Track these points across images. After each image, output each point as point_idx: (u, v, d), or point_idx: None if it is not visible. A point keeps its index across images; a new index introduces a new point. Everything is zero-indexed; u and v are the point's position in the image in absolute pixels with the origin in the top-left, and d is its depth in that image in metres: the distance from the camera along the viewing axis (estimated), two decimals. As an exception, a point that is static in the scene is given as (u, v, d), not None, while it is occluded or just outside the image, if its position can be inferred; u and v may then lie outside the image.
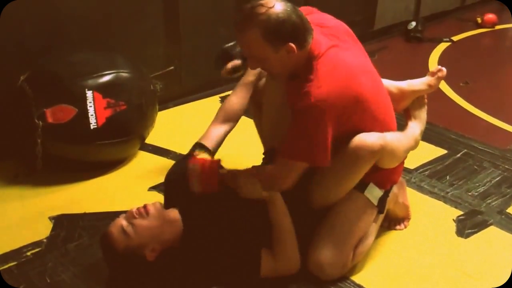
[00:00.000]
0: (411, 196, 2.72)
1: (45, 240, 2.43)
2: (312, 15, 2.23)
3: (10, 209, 2.66)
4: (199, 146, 2.36)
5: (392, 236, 2.52)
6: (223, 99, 3.56)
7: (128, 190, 2.81)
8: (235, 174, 2.18)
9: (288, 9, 1.99)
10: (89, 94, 2.74)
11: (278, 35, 1.98)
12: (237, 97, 2.48)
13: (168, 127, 3.39)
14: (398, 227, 2.55)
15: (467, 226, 2.60)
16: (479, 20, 5.64)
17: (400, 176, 2.45)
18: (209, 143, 2.37)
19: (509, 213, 2.71)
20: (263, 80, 2.36)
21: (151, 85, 3.09)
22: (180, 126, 3.43)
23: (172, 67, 3.70)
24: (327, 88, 2.00)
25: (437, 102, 3.86)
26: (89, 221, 2.56)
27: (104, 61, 2.91)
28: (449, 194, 2.84)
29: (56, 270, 2.26)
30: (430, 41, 5.16)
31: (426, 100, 2.52)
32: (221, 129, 2.43)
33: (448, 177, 2.99)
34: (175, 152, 3.12)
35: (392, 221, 2.56)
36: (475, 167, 3.10)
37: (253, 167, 2.24)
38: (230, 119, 2.45)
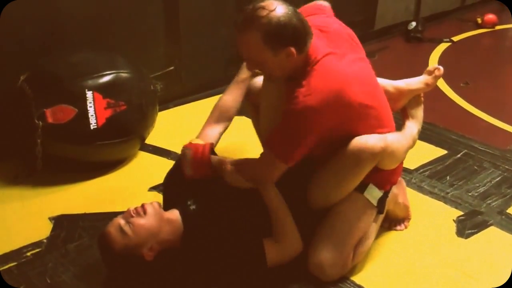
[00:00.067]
0: (411, 196, 2.72)
1: (45, 241, 2.43)
2: (315, 16, 2.23)
3: (10, 209, 2.66)
4: None
5: (392, 237, 2.51)
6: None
7: (128, 190, 2.81)
8: (223, 161, 2.20)
9: (289, 13, 1.98)
10: (89, 94, 2.74)
11: (279, 39, 1.98)
12: (231, 96, 2.48)
13: (168, 128, 3.39)
14: (398, 227, 2.55)
15: (467, 226, 2.60)
16: (479, 20, 5.64)
17: (400, 177, 2.44)
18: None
19: (509, 213, 2.71)
20: (260, 81, 2.36)
21: (151, 85, 3.09)
22: (181, 126, 3.43)
23: (172, 67, 3.70)
24: (315, 96, 2.00)
25: (437, 102, 3.87)
26: (89, 222, 2.56)
27: (104, 61, 2.90)
28: (449, 194, 2.84)
29: (56, 271, 2.26)
30: (430, 41, 5.16)
31: (422, 99, 2.52)
32: (216, 129, 2.44)
33: (448, 177, 2.99)
34: (175, 153, 3.12)
35: (392, 222, 2.56)
36: (475, 167, 3.10)
37: (241, 159, 2.24)
38: (224, 118, 2.46)
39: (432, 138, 3.38)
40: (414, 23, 5.25)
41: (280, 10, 1.97)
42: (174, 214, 2.18)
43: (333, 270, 2.20)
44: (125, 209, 2.14)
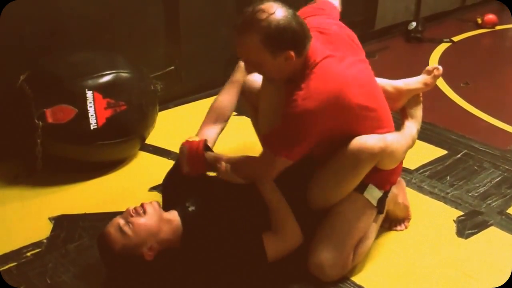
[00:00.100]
0: (412, 196, 2.72)
1: (45, 241, 2.43)
2: (315, 17, 2.23)
3: (10, 209, 2.66)
4: None
5: (392, 237, 2.51)
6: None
7: (129, 190, 2.81)
8: (218, 158, 2.21)
9: (289, 16, 1.98)
10: (89, 94, 2.74)
11: (278, 43, 1.98)
12: (226, 96, 2.49)
13: (168, 128, 3.38)
14: (399, 227, 2.55)
15: (467, 226, 2.60)
16: (479, 20, 5.64)
17: (399, 177, 2.44)
18: None
19: (509, 213, 2.71)
20: (259, 81, 2.36)
21: (152, 85, 3.09)
22: (181, 126, 3.43)
23: (172, 67, 3.69)
24: (314, 100, 2.00)
25: (438, 102, 3.87)
26: (89, 222, 2.56)
27: (104, 61, 2.90)
28: (449, 194, 2.84)
29: (56, 271, 2.26)
30: (431, 42, 5.16)
31: (421, 99, 2.52)
32: (213, 129, 2.45)
33: (448, 177, 2.99)
34: (175, 153, 3.11)
35: (392, 222, 2.56)
36: (475, 167, 3.10)
37: (236, 157, 2.24)
38: (220, 119, 2.46)
39: (432, 138, 3.38)
40: (414, 23, 5.25)
41: (279, 13, 1.97)
42: (173, 215, 2.18)
43: (333, 271, 2.20)
44: (125, 209, 2.14)
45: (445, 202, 2.77)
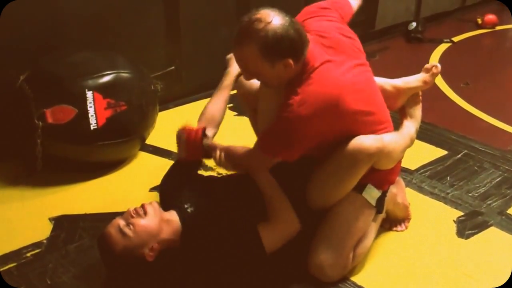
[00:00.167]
0: (412, 197, 2.72)
1: (45, 241, 2.43)
2: (316, 19, 2.21)
3: (10, 210, 2.65)
4: None
5: (392, 237, 2.51)
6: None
7: (129, 191, 2.81)
8: (214, 146, 2.23)
9: (286, 24, 1.98)
10: (89, 94, 2.74)
11: (276, 52, 1.98)
12: (216, 104, 2.48)
13: (168, 128, 3.35)
14: (399, 228, 2.55)
15: (468, 227, 2.60)
16: (479, 20, 5.64)
17: (398, 176, 2.44)
18: None
19: (509, 214, 2.71)
20: (257, 83, 2.36)
21: (152, 85, 3.08)
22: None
23: (172, 67, 3.70)
24: (309, 106, 2.01)
25: (438, 102, 3.88)
26: (89, 222, 2.56)
27: (104, 61, 2.90)
28: (449, 195, 2.84)
29: (56, 271, 2.26)
30: (431, 42, 5.16)
31: (420, 98, 2.52)
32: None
33: (448, 178, 2.99)
34: (175, 153, 3.11)
35: (392, 222, 2.55)
36: (476, 168, 3.10)
37: (231, 146, 2.24)
38: (211, 126, 2.45)
39: (433, 139, 3.38)
40: (414, 24, 5.25)
41: (276, 22, 1.97)
42: (172, 215, 2.18)
43: (333, 271, 2.20)
44: (125, 210, 2.14)
45: (445, 203, 2.77)
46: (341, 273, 2.22)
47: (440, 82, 4.17)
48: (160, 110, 3.23)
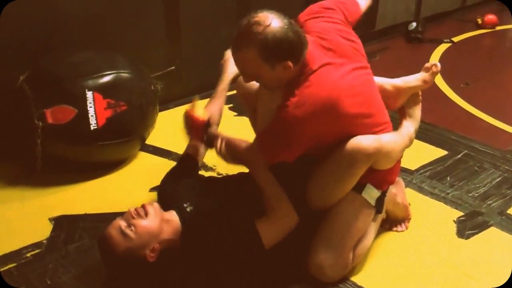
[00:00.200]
0: (412, 197, 2.72)
1: (45, 241, 2.43)
2: (318, 20, 2.20)
3: (10, 210, 2.65)
4: (186, 156, 2.50)
5: (392, 237, 2.51)
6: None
7: (129, 191, 2.81)
8: (216, 135, 2.24)
9: (285, 27, 1.98)
10: (89, 94, 2.74)
11: (275, 55, 1.98)
12: (212, 107, 2.49)
13: (168, 128, 3.37)
14: (399, 228, 2.55)
15: (468, 227, 2.60)
16: (479, 21, 5.64)
17: (397, 176, 2.44)
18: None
19: (509, 214, 2.71)
20: (257, 83, 2.36)
21: (152, 85, 3.08)
22: (181, 126, 3.42)
23: (173, 67, 3.69)
24: (305, 108, 2.01)
25: (438, 103, 3.88)
26: (89, 222, 2.56)
27: (104, 62, 2.90)
28: (449, 195, 2.84)
29: (56, 272, 2.26)
30: (431, 42, 5.16)
31: (420, 98, 2.51)
32: (202, 146, 2.51)
33: (448, 178, 2.99)
34: (176, 153, 3.12)
35: (393, 223, 2.55)
36: (476, 168, 3.10)
37: (233, 139, 2.24)
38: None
39: (433, 139, 3.38)
40: (414, 24, 5.25)
41: (275, 24, 1.97)
42: (172, 215, 2.18)
43: (333, 271, 2.20)
44: (125, 210, 2.14)
45: (445, 203, 2.77)
46: (341, 273, 2.22)
47: (440, 82, 4.17)
48: (160, 110, 3.23)
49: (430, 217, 2.66)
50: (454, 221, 2.64)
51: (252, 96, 2.42)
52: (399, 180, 2.57)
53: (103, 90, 2.77)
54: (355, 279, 2.26)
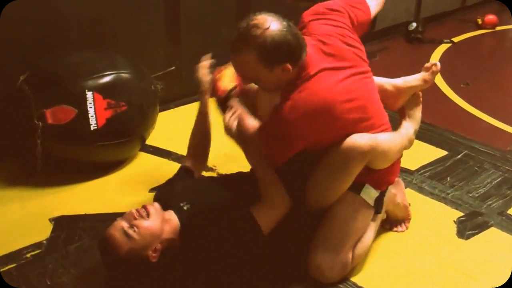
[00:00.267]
0: (412, 197, 2.72)
1: (45, 242, 2.43)
2: (322, 22, 2.19)
3: (9, 210, 2.65)
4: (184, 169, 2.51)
5: (392, 238, 2.51)
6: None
7: (129, 191, 2.81)
8: (232, 106, 2.23)
9: (284, 30, 1.98)
10: (89, 95, 2.74)
11: (274, 57, 1.99)
12: (197, 137, 2.57)
13: (169, 128, 3.38)
14: (399, 228, 2.55)
15: (468, 227, 2.60)
16: (479, 21, 5.64)
17: (397, 177, 2.44)
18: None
19: (509, 214, 2.71)
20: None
21: (152, 85, 3.08)
22: (181, 127, 3.41)
23: (173, 68, 3.69)
24: (299, 113, 2.02)
25: (438, 103, 3.87)
26: (89, 223, 2.55)
27: (104, 62, 2.90)
28: (449, 195, 2.84)
29: (56, 272, 2.26)
30: (431, 42, 5.16)
31: (421, 99, 2.51)
32: (199, 164, 2.57)
33: (448, 178, 2.99)
34: (176, 153, 3.12)
35: (393, 223, 2.55)
36: (476, 168, 3.10)
37: (249, 120, 2.22)
38: (199, 164, 2.57)
39: (433, 139, 3.38)
40: (414, 24, 5.25)
41: (274, 27, 1.97)
42: (171, 214, 2.18)
43: (332, 272, 2.19)
44: (125, 210, 2.14)
45: (446, 203, 2.77)
46: (341, 274, 2.22)
47: (440, 82, 4.17)
48: (161, 111, 3.23)
49: (430, 217, 2.66)
50: (454, 221, 2.64)
51: (252, 94, 2.42)
52: (399, 181, 2.56)
53: (103, 90, 2.77)
54: (355, 279, 2.26)
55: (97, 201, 2.71)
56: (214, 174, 2.89)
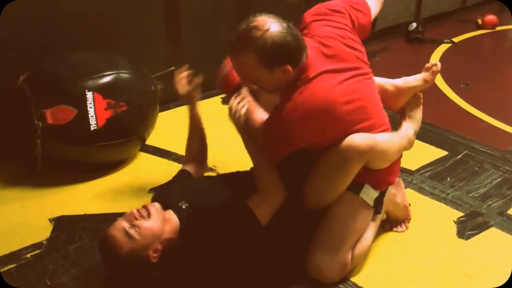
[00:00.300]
0: (412, 197, 2.72)
1: (45, 242, 2.43)
2: (323, 24, 2.18)
3: (9, 210, 2.65)
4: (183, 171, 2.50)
5: (392, 238, 2.51)
6: (224, 100, 3.57)
7: (129, 191, 2.80)
8: (241, 93, 2.22)
9: (284, 31, 1.98)
10: (89, 95, 2.74)
11: (274, 59, 1.99)
12: (193, 142, 2.58)
13: (169, 128, 3.38)
14: (399, 228, 2.55)
15: (468, 227, 2.60)
16: (479, 21, 5.64)
17: (397, 177, 2.43)
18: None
19: (509, 214, 2.71)
20: None
21: (152, 85, 3.08)
22: (181, 127, 3.41)
23: (173, 68, 3.68)
24: (298, 113, 2.02)
25: (438, 103, 3.87)
26: (89, 223, 2.55)
27: (104, 62, 2.90)
28: (449, 195, 2.84)
29: (56, 272, 2.25)
30: (431, 42, 5.16)
31: (421, 100, 2.51)
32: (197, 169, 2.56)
33: (448, 178, 2.99)
34: (176, 153, 3.12)
35: (393, 223, 2.55)
36: (476, 168, 3.10)
37: (258, 113, 2.23)
38: (199, 165, 2.56)
39: (433, 139, 3.38)
40: (414, 24, 5.25)
41: (274, 29, 1.97)
42: (171, 214, 2.18)
43: (331, 272, 2.19)
44: (125, 210, 2.13)
45: (446, 203, 2.77)
46: (340, 274, 2.22)
47: (440, 82, 4.17)
48: (161, 111, 3.22)
49: (431, 217, 2.66)
50: (454, 221, 2.64)
51: (252, 93, 2.42)
52: (399, 181, 2.56)
53: (103, 91, 2.77)
54: (355, 279, 2.26)
55: (97, 201, 2.71)
56: (214, 174, 2.89)
